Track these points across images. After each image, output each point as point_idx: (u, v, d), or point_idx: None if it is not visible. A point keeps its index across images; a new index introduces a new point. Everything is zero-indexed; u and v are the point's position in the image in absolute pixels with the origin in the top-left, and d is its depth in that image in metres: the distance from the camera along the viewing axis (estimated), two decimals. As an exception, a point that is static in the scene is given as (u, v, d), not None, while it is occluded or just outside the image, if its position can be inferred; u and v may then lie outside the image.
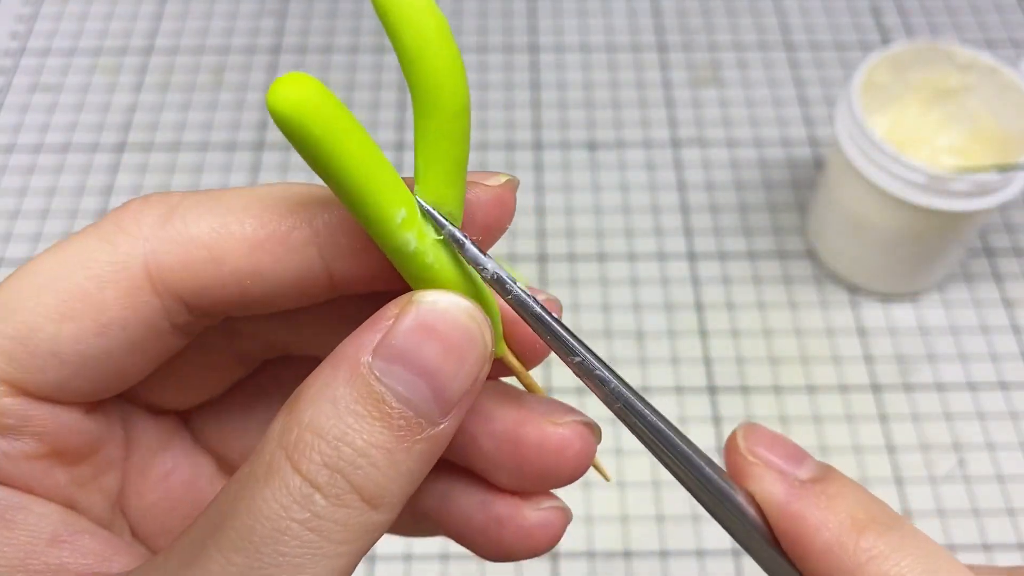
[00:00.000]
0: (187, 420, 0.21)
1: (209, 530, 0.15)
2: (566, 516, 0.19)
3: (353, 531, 0.15)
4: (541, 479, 0.19)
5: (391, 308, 0.16)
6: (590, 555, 0.45)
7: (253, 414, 0.21)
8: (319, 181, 0.15)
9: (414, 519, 0.20)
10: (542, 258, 0.55)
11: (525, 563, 0.45)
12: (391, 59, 0.65)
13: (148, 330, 0.17)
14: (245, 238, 0.16)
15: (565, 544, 0.45)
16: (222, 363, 0.20)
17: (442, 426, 0.15)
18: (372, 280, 0.17)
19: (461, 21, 0.68)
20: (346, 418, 0.15)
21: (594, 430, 0.19)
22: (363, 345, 0.15)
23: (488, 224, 0.17)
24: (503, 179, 0.17)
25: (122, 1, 0.69)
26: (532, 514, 0.19)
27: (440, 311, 0.15)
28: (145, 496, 0.20)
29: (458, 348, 0.15)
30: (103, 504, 0.19)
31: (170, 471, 0.20)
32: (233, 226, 0.16)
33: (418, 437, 0.15)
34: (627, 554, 0.45)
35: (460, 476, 0.20)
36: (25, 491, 0.17)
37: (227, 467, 0.21)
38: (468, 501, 0.19)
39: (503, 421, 0.18)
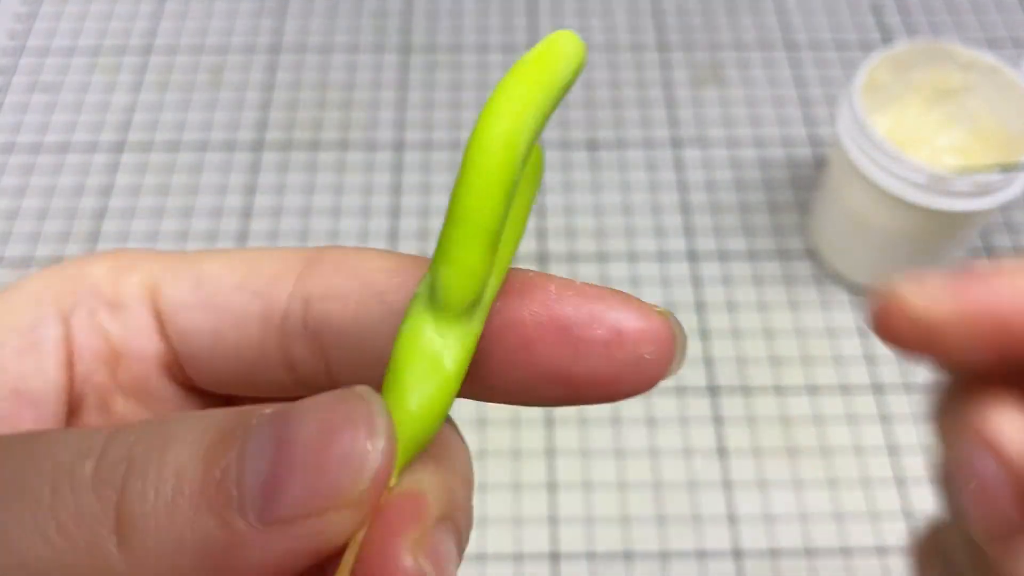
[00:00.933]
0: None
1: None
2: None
3: (80, 533, 0.11)
4: None
5: None
6: (590, 556, 0.45)
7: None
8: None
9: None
10: (542, 258, 0.55)
11: (526, 563, 0.45)
12: (391, 59, 0.65)
13: (265, 327, 0.16)
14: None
15: (565, 544, 0.45)
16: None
17: (247, 528, 0.11)
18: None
19: (461, 21, 0.68)
20: (188, 434, 0.12)
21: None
22: (267, 405, 0.13)
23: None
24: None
25: (121, 0, 0.68)
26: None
27: (350, 405, 0.12)
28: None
29: (328, 455, 0.12)
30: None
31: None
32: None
33: (214, 506, 0.12)
34: (627, 555, 0.45)
35: None
36: (69, 357, 0.16)
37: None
38: None
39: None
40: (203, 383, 0.17)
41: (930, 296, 0.15)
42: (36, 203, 0.57)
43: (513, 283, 0.15)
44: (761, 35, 0.67)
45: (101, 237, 0.56)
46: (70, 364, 0.15)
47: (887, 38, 0.66)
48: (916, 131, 0.52)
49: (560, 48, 0.13)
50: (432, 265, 0.13)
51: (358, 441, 0.11)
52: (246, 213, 0.57)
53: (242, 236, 0.56)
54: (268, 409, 0.12)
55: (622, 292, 0.14)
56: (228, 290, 0.16)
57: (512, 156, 0.12)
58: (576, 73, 0.13)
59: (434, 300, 0.13)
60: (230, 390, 0.17)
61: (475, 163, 0.12)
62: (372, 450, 0.12)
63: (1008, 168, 0.45)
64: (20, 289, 0.16)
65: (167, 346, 0.16)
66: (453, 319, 0.13)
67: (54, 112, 0.62)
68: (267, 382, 0.16)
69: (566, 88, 0.13)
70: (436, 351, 0.13)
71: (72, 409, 0.16)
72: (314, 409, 0.12)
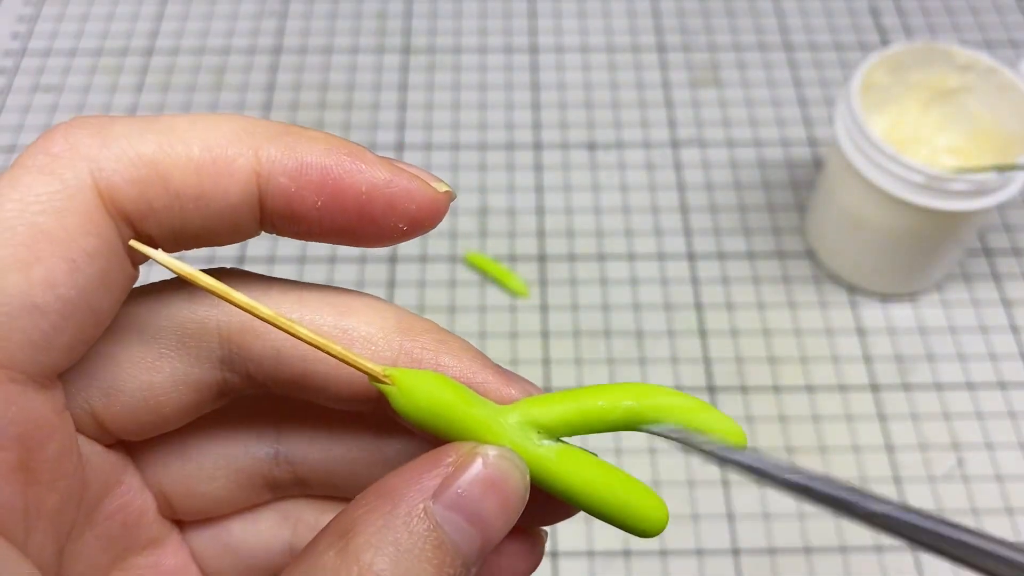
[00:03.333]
0: (133, 453, 0.18)
1: None
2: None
3: None
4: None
5: (448, 454, 0.16)
6: (590, 554, 0.45)
7: (208, 450, 0.19)
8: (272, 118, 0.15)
9: None
10: (542, 258, 0.55)
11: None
12: (391, 60, 0.66)
13: (113, 258, 0.15)
14: (191, 159, 0.15)
15: (565, 543, 0.45)
16: (200, 392, 0.18)
17: (474, 571, 0.16)
18: (301, 227, 0.17)
19: (461, 22, 0.68)
20: (406, 563, 0.15)
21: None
22: (424, 488, 0.15)
23: (417, 221, 0.17)
24: (444, 188, 0.17)
25: (123, 2, 0.69)
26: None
27: (503, 470, 0.16)
28: (84, 539, 0.17)
29: (512, 507, 0.16)
30: (51, 550, 0.16)
31: (114, 512, 0.18)
32: (178, 147, 0.15)
33: None
34: (627, 553, 0.45)
35: None
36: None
37: (167, 508, 0.19)
38: None
39: None
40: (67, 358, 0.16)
41: None
42: (39, 204, 0.58)
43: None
44: (759, 36, 0.67)
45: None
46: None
47: (885, 39, 0.66)
48: (914, 132, 0.53)
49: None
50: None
51: (520, 481, 0.16)
52: (247, 213, 0.57)
53: (243, 236, 0.56)
54: (430, 498, 0.15)
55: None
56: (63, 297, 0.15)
57: None
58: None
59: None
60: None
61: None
62: (523, 475, 0.17)
63: (1005, 168, 0.46)
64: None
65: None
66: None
67: (56, 113, 0.62)
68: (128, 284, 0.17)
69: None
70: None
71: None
72: (480, 486, 0.16)
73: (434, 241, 0.56)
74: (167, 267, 0.15)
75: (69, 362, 0.15)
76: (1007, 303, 0.54)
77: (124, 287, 0.16)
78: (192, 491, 0.19)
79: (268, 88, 0.64)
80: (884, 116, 0.52)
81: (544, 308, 0.53)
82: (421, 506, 0.15)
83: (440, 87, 0.64)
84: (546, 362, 0.51)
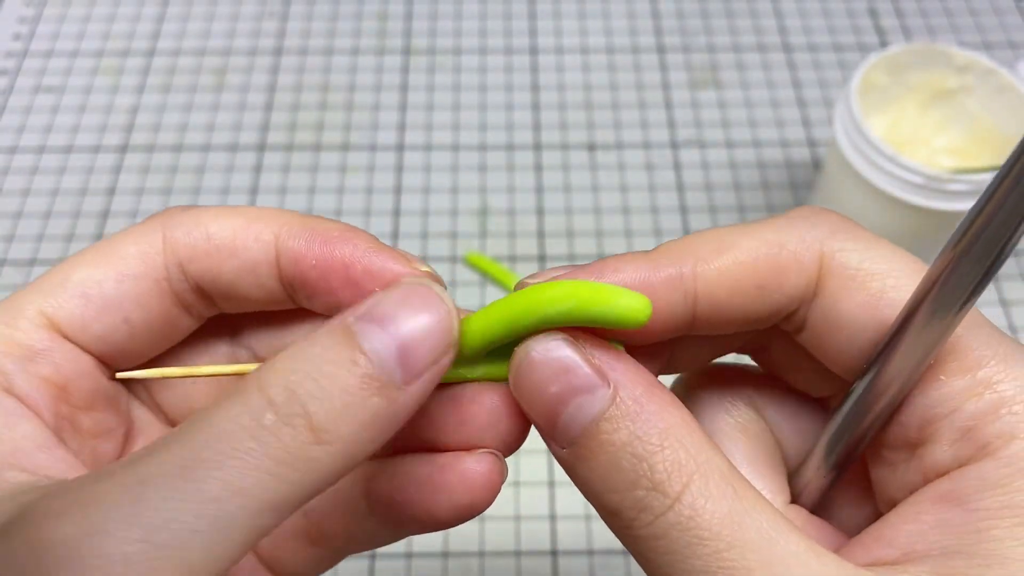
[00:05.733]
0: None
1: (166, 436, 0.16)
2: (501, 463, 0.20)
3: (293, 456, 0.15)
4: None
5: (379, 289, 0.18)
6: (589, 553, 0.45)
7: (199, 361, 0.23)
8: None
9: (368, 504, 0.21)
10: (542, 258, 0.56)
11: (525, 559, 0.45)
12: (392, 61, 0.66)
13: (156, 288, 0.20)
14: (235, 228, 0.21)
15: (565, 542, 0.46)
16: (185, 317, 0.22)
17: (400, 392, 0.17)
18: (307, 288, 0.21)
19: (461, 23, 0.68)
20: (318, 360, 0.16)
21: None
22: (351, 311, 0.17)
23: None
24: (424, 267, 0.21)
25: (124, 3, 0.69)
26: (471, 459, 0.20)
27: (419, 290, 0.17)
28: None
29: (426, 323, 0.17)
30: (90, 463, 0.20)
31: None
32: (230, 222, 0.21)
33: (376, 389, 0.16)
34: (627, 552, 0.45)
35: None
36: (32, 408, 0.19)
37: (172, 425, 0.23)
38: (412, 460, 0.20)
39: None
40: (137, 359, 0.21)
41: (546, 279, 0.19)
42: (40, 204, 0.58)
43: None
44: (759, 38, 0.67)
45: (105, 239, 0.56)
46: (39, 415, 0.19)
47: (884, 40, 0.67)
48: (913, 132, 0.53)
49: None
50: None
51: (440, 303, 0.17)
52: (248, 214, 0.57)
53: (244, 237, 0.56)
54: (352, 315, 0.17)
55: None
56: (112, 288, 0.20)
57: None
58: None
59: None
60: (158, 351, 0.22)
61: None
62: (449, 304, 0.17)
63: (1003, 169, 0.46)
64: None
65: (91, 356, 0.20)
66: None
67: (58, 114, 0.62)
68: (180, 331, 0.22)
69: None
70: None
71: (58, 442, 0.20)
72: (396, 300, 0.17)
73: (434, 241, 0.56)
74: (146, 376, 0.21)
75: (101, 345, 0.21)
76: (1005, 303, 0.54)
77: (163, 321, 0.21)
78: (187, 408, 0.23)
79: (269, 89, 0.64)
80: (883, 117, 0.52)
81: (544, 308, 0.53)
82: (340, 322, 0.17)
83: (440, 88, 0.64)
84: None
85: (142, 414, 0.22)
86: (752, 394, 0.23)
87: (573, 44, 0.67)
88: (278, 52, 0.66)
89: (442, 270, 0.55)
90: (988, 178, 0.46)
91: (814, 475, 0.20)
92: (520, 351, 0.18)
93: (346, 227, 0.21)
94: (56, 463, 0.19)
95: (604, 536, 0.46)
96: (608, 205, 0.58)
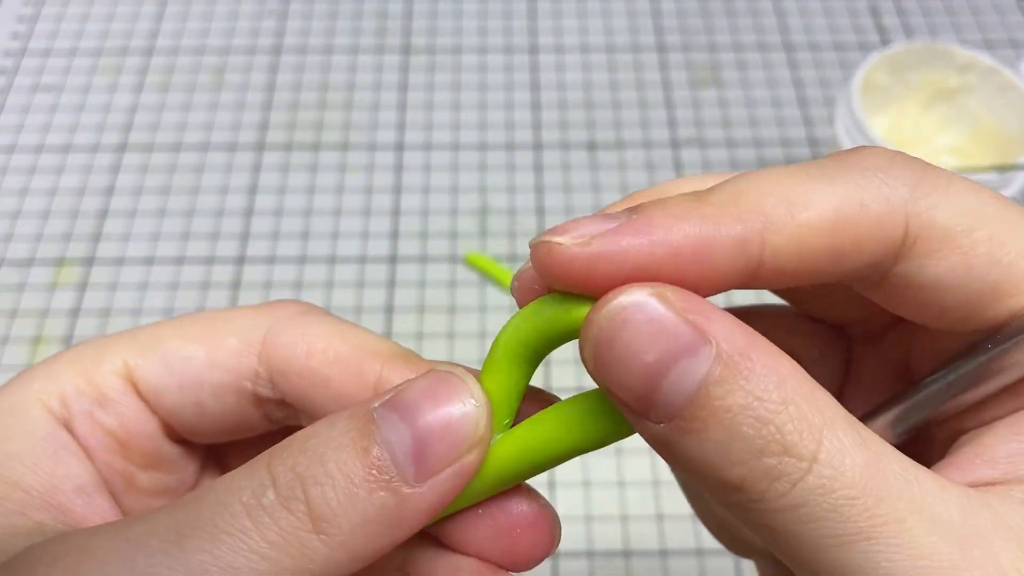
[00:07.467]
0: (218, 457, 0.23)
1: (179, 499, 0.16)
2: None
3: (288, 542, 0.15)
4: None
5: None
6: (590, 554, 0.45)
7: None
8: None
9: None
10: (542, 258, 0.55)
11: (525, 562, 0.45)
12: (391, 59, 0.66)
13: (238, 387, 0.20)
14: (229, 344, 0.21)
15: (565, 543, 0.45)
16: (264, 422, 0.22)
17: (412, 491, 0.15)
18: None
19: (461, 22, 0.68)
20: (332, 443, 0.15)
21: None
22: (379, 395, 0.16)
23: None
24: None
25: (123, 2, 0.69)
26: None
27: (450, 380, 0.16)
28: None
29: (449, 416, 0.16)
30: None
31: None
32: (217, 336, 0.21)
33: (384, 483, 0.15)
34: (627, 553, 0.45)
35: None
36: (87, 450, 0.19)
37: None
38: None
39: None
40: (200, 439, 0.21)
41: (580, 241, 0.17)
42: (38, 204, 0.58)
43: None
44: (759, 36, 0.67)
45: (103, 238, 0.56)
46: (91, 460, 0.19)
47: (885, 39, 0.66)
48: (914, 132, 0.53)
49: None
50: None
51: (468, 395, 0.16)
52: (247, 213, 0.57)
53: (243, 236, 0.56)
54: (378, 400, 0.16)
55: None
56: (199, 369, 0.20)
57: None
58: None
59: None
60: (223, 439, 0.21)
61: None
62: (479, 398, 0.16)
63: (1006, 168, 0.46)
64: (16, 403, 0.19)
65: (161, 419, 0.20)
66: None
67: (56, 113, 0.62)
68: (250, 429, 0.21)
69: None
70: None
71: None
72: (421, 389, 0.16)
73: (434, 241, 0.56)
74: None
75: (169, 414, 0.21)
76: None
77: (237, 403, 0.21)
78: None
79: (268, 88, 0.64)
80: (884, 116, 0.52)
81: (544, 308, 0.53)
82: (363, 406, 0.16)
83: (440, 87, 0.64)
84: (546, 362, 0.51)
85: (212, 477, 0.22)
86: (782, 335, 0.20)
87: (573, 43, 0.67)
88: (277, 51, 0.66)
89: (442, 270, 0.55)
90: (989, 178, 0.45)
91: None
92: (599, 318, 0.15)
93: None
94: (92, 511, 0.18)
95: (604, 537, 0.45)
96: (608, 204, 0.58)
